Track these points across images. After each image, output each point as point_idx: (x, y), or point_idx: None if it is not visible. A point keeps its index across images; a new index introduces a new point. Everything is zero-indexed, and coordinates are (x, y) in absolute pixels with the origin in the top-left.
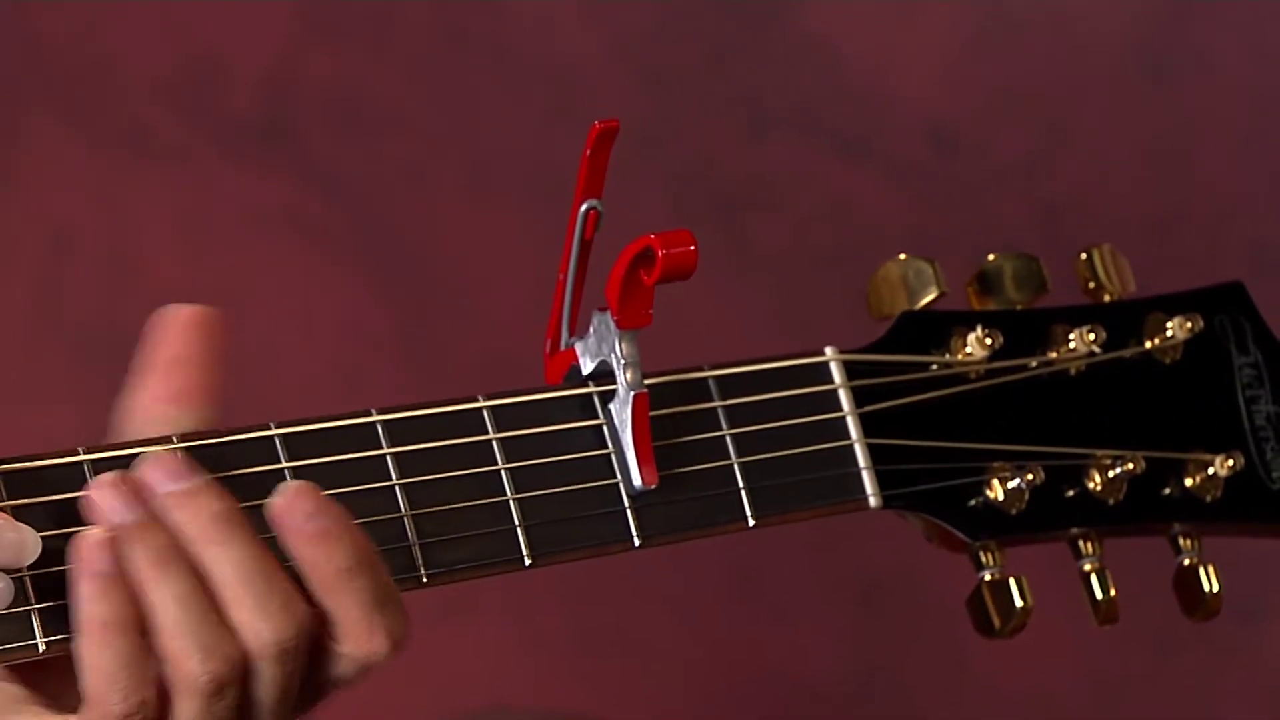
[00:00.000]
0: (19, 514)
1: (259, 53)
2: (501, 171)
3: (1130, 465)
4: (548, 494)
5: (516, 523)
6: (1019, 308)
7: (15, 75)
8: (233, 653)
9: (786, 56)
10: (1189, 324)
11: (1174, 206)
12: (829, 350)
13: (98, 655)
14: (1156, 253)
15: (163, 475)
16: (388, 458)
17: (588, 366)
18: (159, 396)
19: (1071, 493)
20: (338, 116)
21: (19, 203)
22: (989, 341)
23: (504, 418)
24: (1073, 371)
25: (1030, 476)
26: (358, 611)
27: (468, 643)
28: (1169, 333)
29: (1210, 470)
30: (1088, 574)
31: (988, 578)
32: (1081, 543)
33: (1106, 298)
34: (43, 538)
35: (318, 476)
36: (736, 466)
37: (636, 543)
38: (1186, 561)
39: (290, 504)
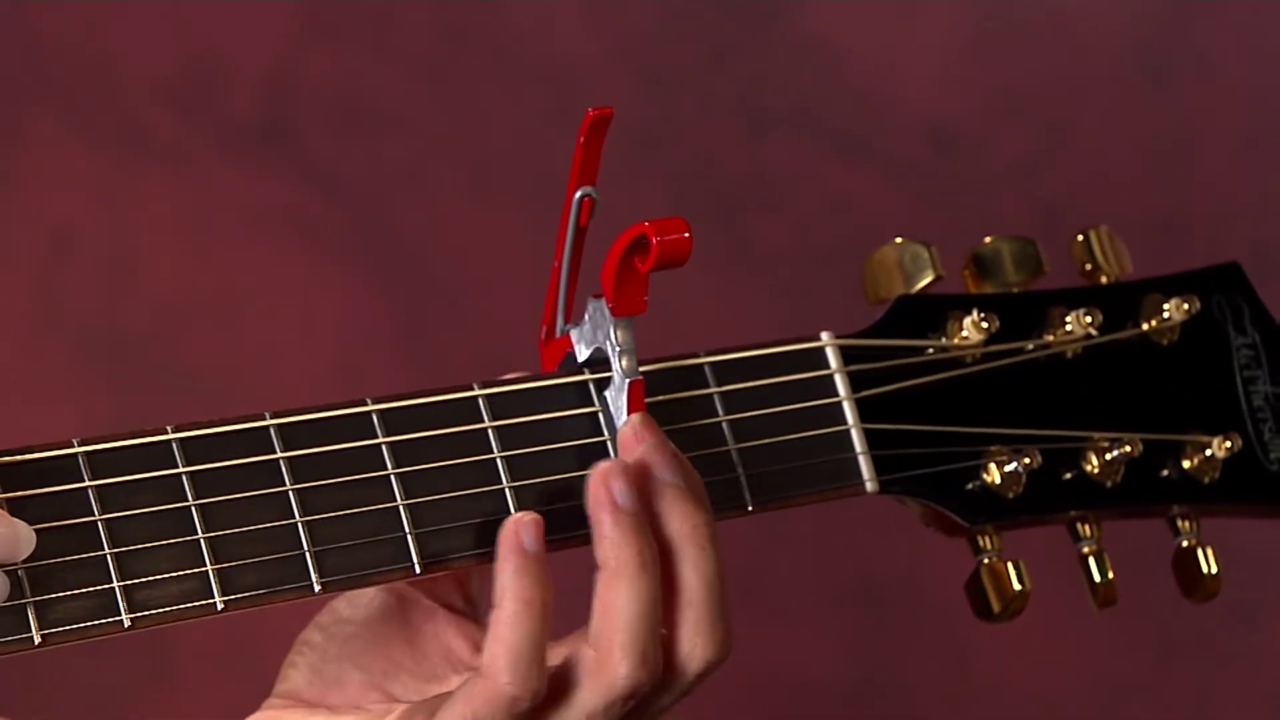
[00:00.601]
0: (15, 507)
1: (259, 53)
2: (501, 171)
3: (1128, 448)
4: (544, 482)
5: (513, 511)
6: (1015, 290)
7: (15, 75)
8: (658, 667)
9: (786, 56)
10: (1186, 305)
11: (1174, 206)
12: (825, 335)
13: (508, 631)
14: (1157, 252)
15: (666, 465)
16: (383, 447)
17: (583, 354)
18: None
19: (1069, 476)
20: (338, 116)
21: (19, 203)
22: (985, 325)
23: (499, 406)
24: (1070, 354)
25: (1027, 460)
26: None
27: None
28: (1166, 314)
29: (1208, 452)
30: (1086, 556)
31: (986, 561)
32: (1079, 525)
33: (1103, 280)
34: (40, 530)
35: (313, 466)
36: (734, 452)
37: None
38: (1185, 543)
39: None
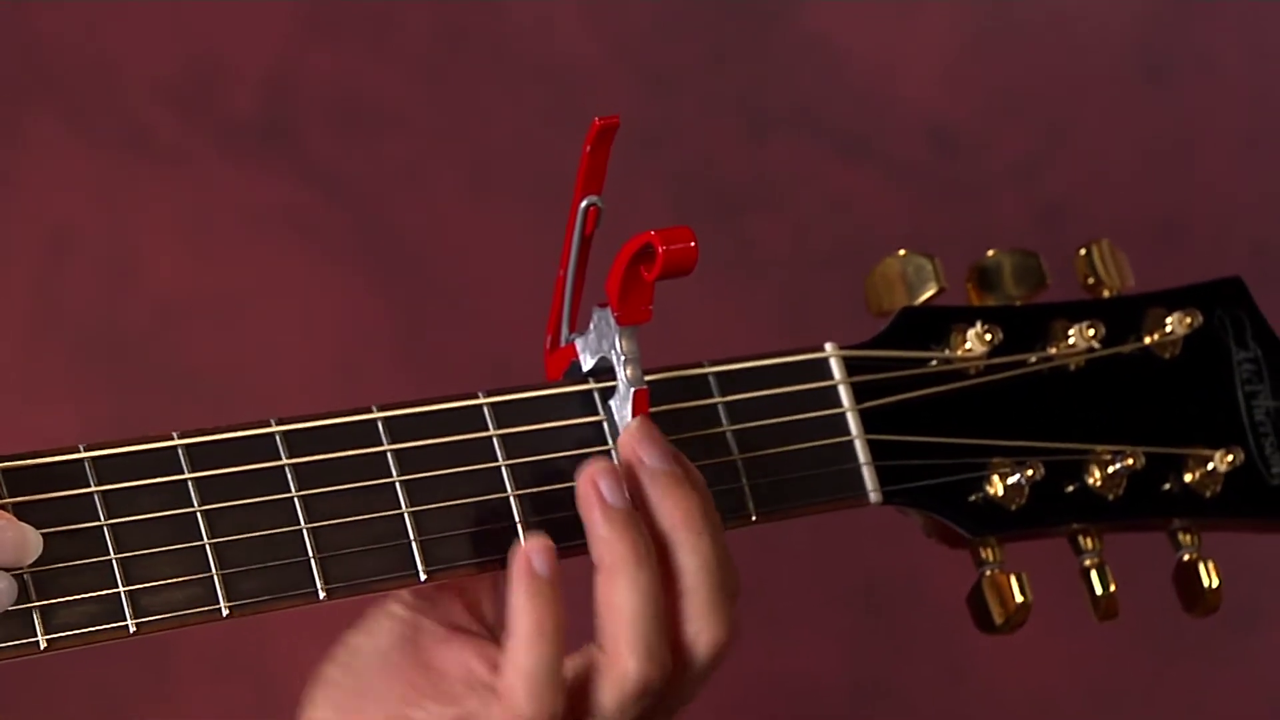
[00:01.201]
0: (21, 511)
1: (259, 53)
2: (501, 171)
3: (1130, 461)
4: (548, 490)
5: (517, 519)
6: (1018, 303)
7: (15, 75)
8: (667, 661)
9: (786, 56)
10: (1188, 319)
11: (1174, 207)
12: (829, 346)
13: (524, 656)
14: (1157, 253)
15: (656, 455)
16: (388, 454)
17: (588, 363)
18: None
19: (1071, 488)
20: (338, 116)
21: (19, 203)
22: (989, 337)
23: (504, 414)
24: (1072, 367)
25: (1030, 472)
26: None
27: None
28: (1168, 328)
29: (1210, 465)
30: (1087, 569)
31: (988, 573)
32: (1081, 538)
33: (1106, 293)
34: (45, 535)
35: (318, 473)
36: (738, 462)
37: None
38: (1186, 557)
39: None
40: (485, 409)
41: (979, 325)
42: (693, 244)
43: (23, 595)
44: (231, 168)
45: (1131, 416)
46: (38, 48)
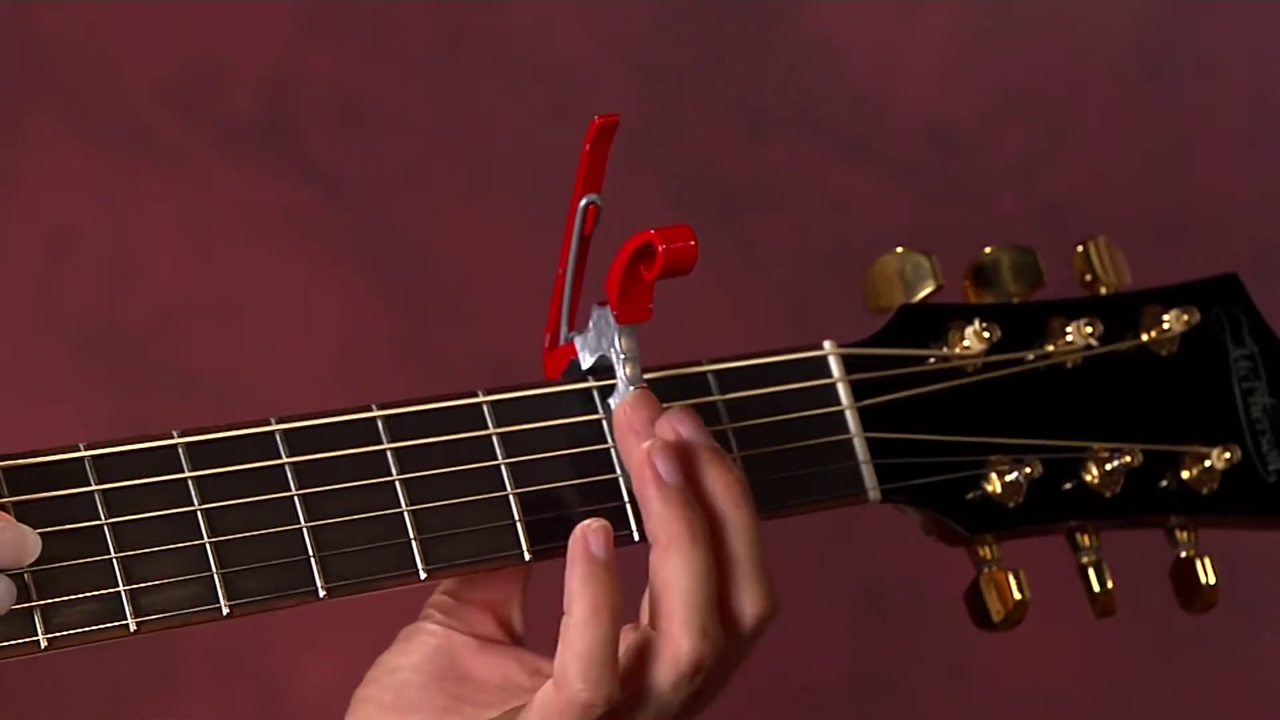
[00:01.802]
0: (21, 511)
1: (259, 53)
2: (501, 171)
3: (1127, 458)
4: (548, 488)
5: (516, 518)
6: (1016, 301)
7: (15, 75)
8: (719, 637)
9: (786, 56)
10: (1185, 317)
11: (1174, 207)
12: (827, 344)
13: (580, 637)
14: (1157, 253)
15: (700, 433)
16: (388, 453)
17: (587, 361)
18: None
19: (1069, 486)
20: (338, 116)
21: (19, 203)
22: (986, 335)
23: (504, 413)
24: (1070, 364)
25: (1028, 470)
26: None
27: None
28: (1165, 325)
29: (1207, 463)
30: (1085, 567)
31: (986, 571)
32: (1079, 536)
33: (1103, 290)
34: (46, 533)
35: (318, 471)
36: (738, 460)
37: (636, 537)
38: (1183, 554)
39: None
40: (485, 407)
41: (977, 323)
42: (692, 243)
43: (23, 594)
44: (231, 168)
45: (1129, 414)
46: (38, 48)
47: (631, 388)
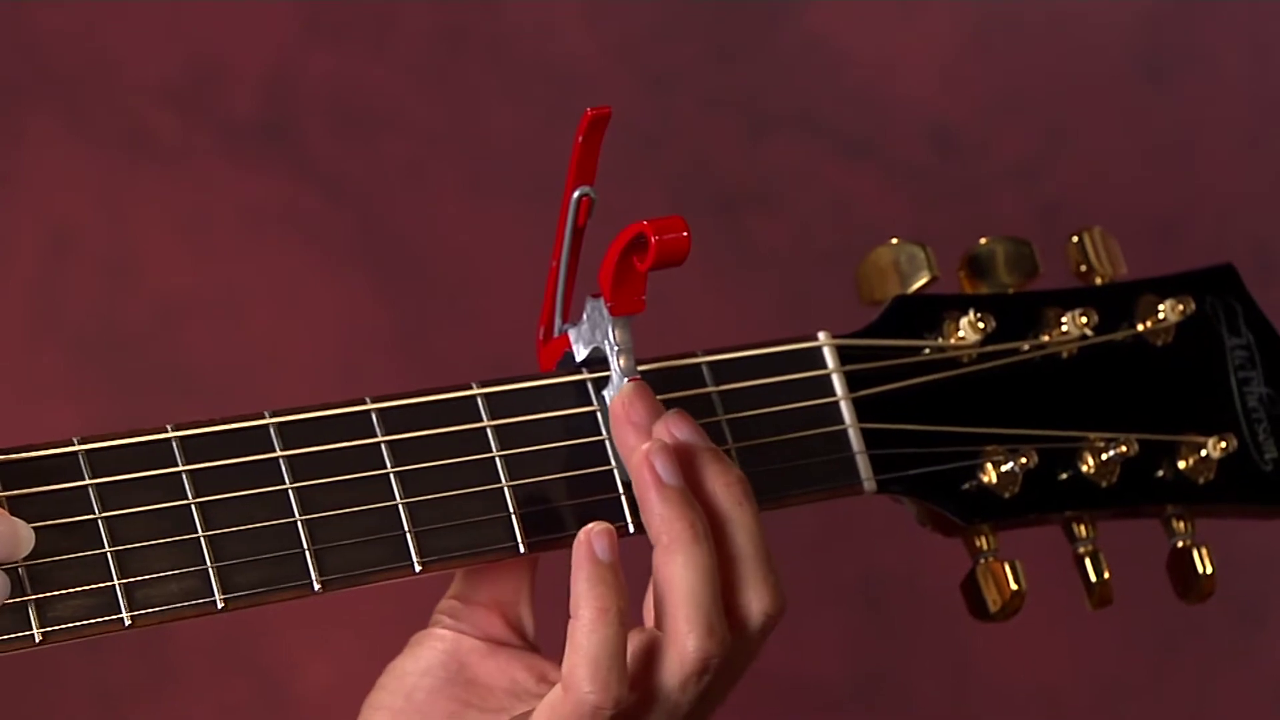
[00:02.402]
0: (16, 505)
1: (259, 53)
2: (501, 171)
3: (1123, 448)
4: (542, 481)
5: (511, 510)
6: (1011, 291)
7: (15, 75)
8: (725, 635)
9: (786, 56)
10: (1181, 306)
11: (1175, 206)
12: (822, 335)
13: (587, 640)
14: (1158, 253)
15: (696, 434)
16: (382, 446)
17: (581, 353)
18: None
19: (1065, 476)
20: (338, 116)
21: (19, 203)
22: (981, 325)
23: (498, 405)
24: (1065, 355)
25: (1024, 460)
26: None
27: None
28: (1161, 315)
29: (1203, 452)
30: (1081, 557)
31: (982, 562)
32: (1075, 526)
33: (1098, 281)
34: (40, 528)
35: (312, 465)
36: (732, 451)
37: (631, 529)
38: (1180, 544)
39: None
40: (479, 400)
41: (972, 313)
42: (685, 234)
43: (17, 589)
44: (231, 168)
45: (1125, 404)
46: (38, 48)
47: (626, 379)
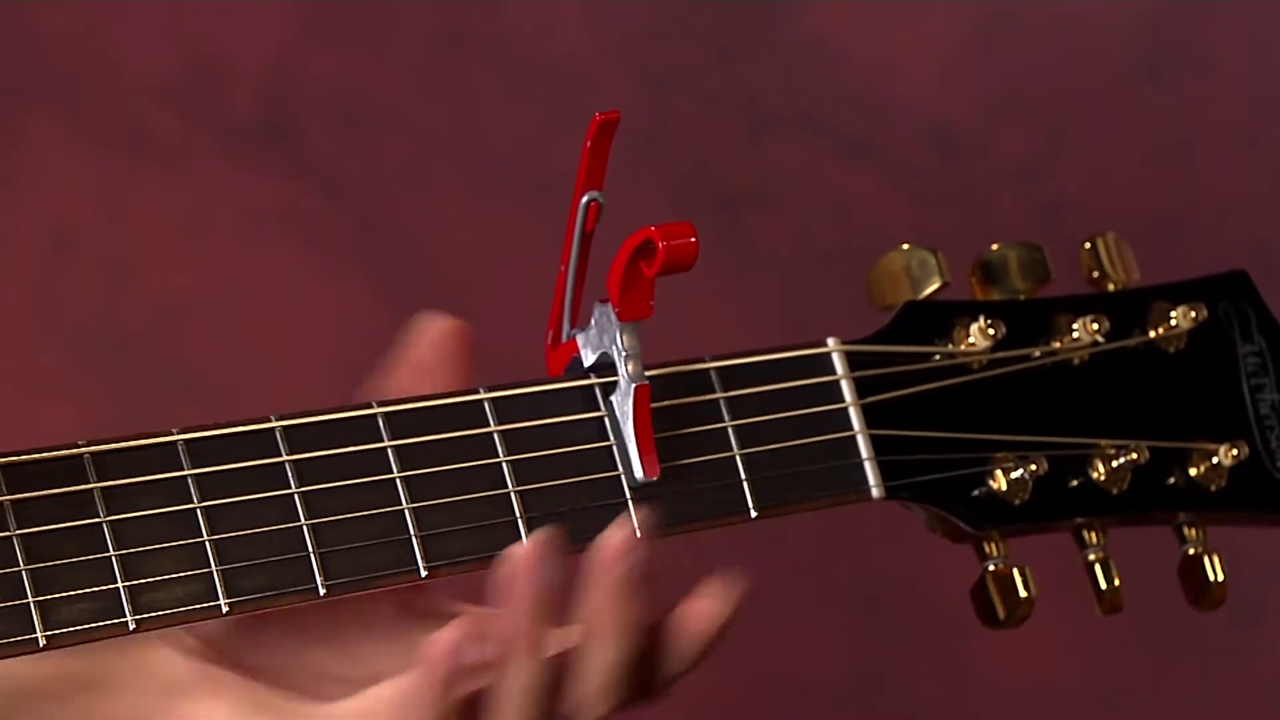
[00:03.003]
0: (20, 508)
1: (259, 53)
2: (501, 171)
3: (1134, 455)
4: (549, 486)
5: (518, 515)
6: (1022, 297)
7: (15, 75)
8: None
9: (786, 56)
10: (1193, 313)
11: (1175, 207)
12: (831, 341)
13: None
14: (1159, 253)
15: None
16: (389, 450)
17: (589, 358)
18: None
19: (1075, 483)
20: (338, 116)
21: (19, 203)
22: (992, 331)
23: (505, 410)
24: (1076, 361)
25: (1034, 466)
26: None
27: None
28: (1173, 322)
29: (1214, 459)
30: (1092, 564)
31: (991, 568)
32: (1085, 533)
33: (1110, 287)
34: (44, 531)
35: (319, 469)
36: (738, 458)
37: (637, 535)
38: (1191, 551)
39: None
40: (486, 404)
41: (982, 319)
42: (693, 239)
43: (22, 592)
44: (231, 168)
45: (1136, 410)
46: (38, 48)
47: (634, 385)
